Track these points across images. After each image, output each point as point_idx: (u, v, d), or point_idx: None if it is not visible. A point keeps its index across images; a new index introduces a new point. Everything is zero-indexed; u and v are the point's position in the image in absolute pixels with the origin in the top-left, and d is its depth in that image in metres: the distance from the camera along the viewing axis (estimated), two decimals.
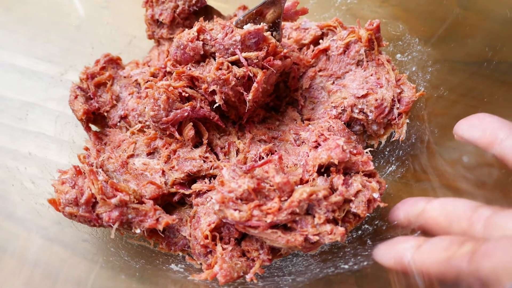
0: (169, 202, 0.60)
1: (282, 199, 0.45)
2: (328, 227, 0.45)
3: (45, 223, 0.57)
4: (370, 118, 0.61)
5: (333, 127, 0.59)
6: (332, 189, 0.48)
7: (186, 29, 0.58)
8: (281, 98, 0.68)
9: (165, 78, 0.65)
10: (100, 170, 0.55)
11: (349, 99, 0.61)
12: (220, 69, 0.54)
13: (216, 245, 0.51)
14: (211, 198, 0.55)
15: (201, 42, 0.55)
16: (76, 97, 0.63)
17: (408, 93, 0.61)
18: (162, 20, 0.68)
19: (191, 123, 0.58)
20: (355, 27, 0.63)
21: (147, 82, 0.66)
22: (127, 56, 0.75)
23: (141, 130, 0.63)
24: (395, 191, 0.62)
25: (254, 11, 0.57)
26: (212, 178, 0.59)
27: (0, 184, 0.60)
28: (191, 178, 0.59)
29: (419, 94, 0.60)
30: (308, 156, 0.56)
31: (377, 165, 0.65)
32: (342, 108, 0.61)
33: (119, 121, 0.65)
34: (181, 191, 0.58)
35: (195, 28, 0.55)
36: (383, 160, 0.65)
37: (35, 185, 0.60)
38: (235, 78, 0.55)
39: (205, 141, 0.60)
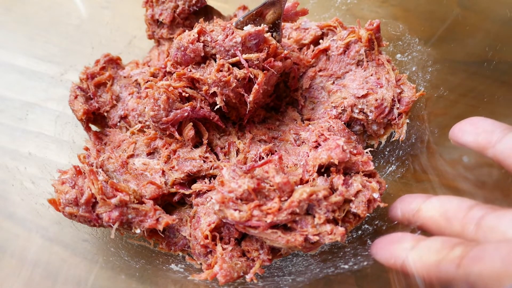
0: (169, 202, 0.60)
1: (282, 199, 0.45)
2: (328, 227, 0.45)
3: (45, 223, 0.57)
4: (370, 118, 0.61)
5: (333, 127, 0.59)
6: (332, 189, 0.48)
7: (187, 31, 0.58)
8: (281, 98, 0.68)
9: (165, 78, 0.65)
10: (100, 170, 0.55)
11: (349, 99, 0.61)
12: (221, 70, 0.54)
13: (216, 245, 0.51)
14: (211, 198, 0.55)
15: (202, 44, 0.55)
16: (76, 97, 0.63)
17: (408, 93, 0.61)
18: (162, 20, 0.68)
19: (191, 123, 0.58)
20: (355, 27, 0.63)
21: (147, 82, 0.66)
22: (127, 56, 0.75)
23: (141, 130, 0.63)
24: (395, 191, 0.61)
25: (254, 12, 0.57)
26: (212, 178, 0.59)
27: (0, 184, 0.60)
28: (191, 178, 0.59)
29: (419, 94, 0.60)
30: (308, 156, 0.56)
31: (377, 165, 0.65)
32: (342, 108, 0.61)
33: (119, 121, 0.65)
34: (181, 191, 0.58)
35: (195, 30, 0.55)
36: (383, 160, 0.65)
37: (35, 185, 0.60)
38: (235, 80, 0.55)
39: (205, 141, 0.60)
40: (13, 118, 0.70)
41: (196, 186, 0.57)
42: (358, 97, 0.61)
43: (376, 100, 0.60)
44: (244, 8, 0.75)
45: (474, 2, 0.66)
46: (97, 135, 0.64)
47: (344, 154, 0.49)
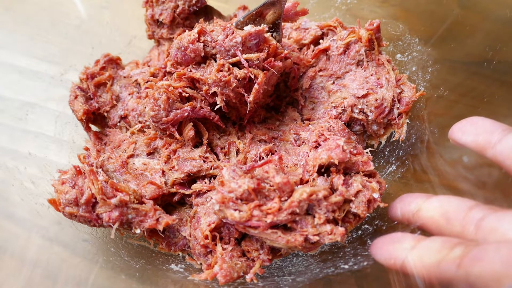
0: (169, 202, 0.60)
1: (282, 199, 0.45)
2: (328, 227, 0.45)
3: (45, 223, 0.57)
4: (370, 118, 0.61)
5: (333, 127, 0.59)
6: (332, 189, 0.48)
7: (187, 31, 0.58)
8: (281, 98, 0.68)
9: (165, 78, 0.65)
10: (100, 170, 0.55)
11: (349, 99, 0.61)
12: (221, 70, 0.54)
13: (216, 245, 0.51)
14: (211, 198, 0.55)
15: (202, 44, 0.55)
16: (76, 97, 0.63)
17: (408, 93, 0.61)
18: (162, 20, 0.68)
19: (191, 123, 0.58)
20: (355, 27, 0.63)
21: (147, 82, 0.66)
22: (127, 56, 0.75)
23: (141, 130, 0.63)
24: (395, 191, 0.61)
25: (254, 12, 0.57)
26: (212, 178, 0.59)
27: (0, 184, 0.60)
28: (191, 178, 0.59)
29: (419, 94, 0.60)
30: (308, 156, 0.56)
31: (377, 165, 0.65)
32: (342, 108, 0.61)
33: (119, 121, 0.65)
34: (181, 191, 0.58)
35: (195, 30, 0.55)
36: (383, 160, 0.65)
37: (35, 185, 0.60)
38: (236, 80, 0.55)
39: (205, 141, 0.60)
40: (13, 118, 0.70)
41: (196, 186, 0.57)
42: (358, 97, 0.61)
43: (376, 100, 0.60)
44: (244, 8, 0.75)
45: (474, 2, 0.66)
46: (97, 135, 0.64)
47: (344, 154, 0.49)
